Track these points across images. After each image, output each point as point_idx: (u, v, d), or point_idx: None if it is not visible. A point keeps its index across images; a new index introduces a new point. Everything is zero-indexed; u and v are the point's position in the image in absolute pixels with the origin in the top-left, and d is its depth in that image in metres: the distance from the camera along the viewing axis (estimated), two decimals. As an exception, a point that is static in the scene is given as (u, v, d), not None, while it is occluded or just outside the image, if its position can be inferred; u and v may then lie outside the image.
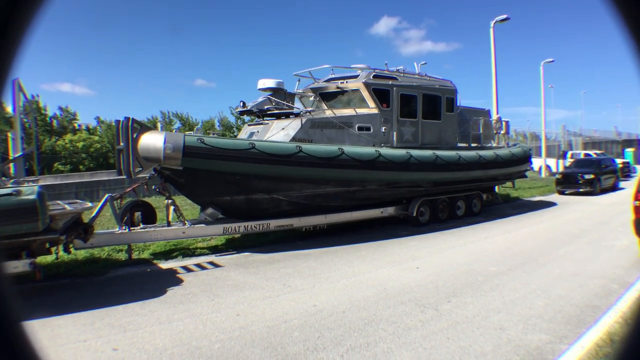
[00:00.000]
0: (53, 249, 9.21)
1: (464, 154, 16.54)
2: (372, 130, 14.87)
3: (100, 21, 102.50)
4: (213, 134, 14.63)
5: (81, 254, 11.20)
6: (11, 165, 10.92)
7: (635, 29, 1.34)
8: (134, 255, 11.59)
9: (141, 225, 11.42)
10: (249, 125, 15.82)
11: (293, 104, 15.39)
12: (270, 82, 14.91)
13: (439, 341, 6.02)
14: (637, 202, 10.21)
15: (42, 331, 6.56)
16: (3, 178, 10.32)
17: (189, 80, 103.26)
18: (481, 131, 19.69)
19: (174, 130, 12.63)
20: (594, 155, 36.28)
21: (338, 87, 15.35)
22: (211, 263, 11.06)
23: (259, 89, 15.11)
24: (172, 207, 12.01)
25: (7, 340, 1.41)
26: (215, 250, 12.58)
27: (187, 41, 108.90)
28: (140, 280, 9.76)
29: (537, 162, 38.63)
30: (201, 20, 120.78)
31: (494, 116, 22.73)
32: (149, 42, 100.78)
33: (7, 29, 1.33)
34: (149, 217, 12.05)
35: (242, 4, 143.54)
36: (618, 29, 1.38)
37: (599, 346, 5.69)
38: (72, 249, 9.90)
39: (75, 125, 56.58)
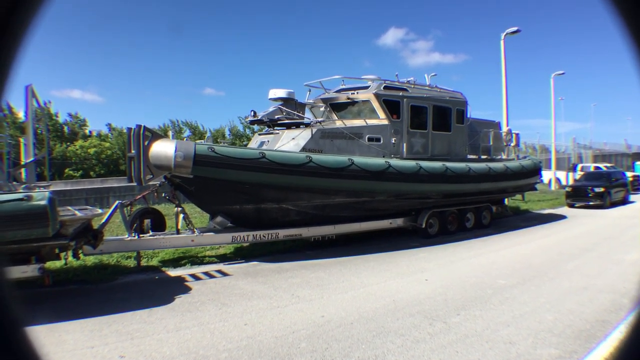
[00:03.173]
0: (62, 255, 9.26)
1: (473, 166, 16.50)
2: (382, 141, 14.88)
3: (110, 29, 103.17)
4: (223, 143, 14.69)
5: (90, 260, 11.25)
6: (23, 170, 11.00)
7: (636, 34, 1.34)
8: (143, 263, 11.62)
9: (150, 233, 11.46)
10: (260, 134, 15.86)
11: (303, 114, 15.43)
12: (281, 92, 14.97)
13: (448, 355, 5.98)
14: None
15: (50, 336, 6.58)
16: (14, 183, 10.40)
17: (198, 89, 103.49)
18: (491, 143, 19.66)
19: (184, 139, 12.71)
20: (604, 168, 36.12)
21: (349, 98, 15.38)
22: (219, 271, 11.07)
23: (270, 99, 15.16)
24: (181, 215, 12.04)
25: (10, 345, 1.41)
26: (223, 258, 12.59)
27: (196, 50, 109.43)
28: (148, 287, 9.77)
29: (547, 175, 38.48)
30: (209, 29, 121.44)
31: (504, 128, 22.68)
32: (158, 51, 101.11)
33: (7, 29, 1.34)
34: (159, 224, 12.09)
35: (250, 14, 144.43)
36: (621, 36, 1.38)
37: (608, 362, 5.64)
38: (81, 255, 9.95)
39: (87, 131, 56.94)
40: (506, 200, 22.31)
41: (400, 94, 15.56)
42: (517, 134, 21.97)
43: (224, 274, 10.84)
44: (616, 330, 6.83)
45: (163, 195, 12.51)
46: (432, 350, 6.13)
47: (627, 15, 1.36)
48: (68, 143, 50.47)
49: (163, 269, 11.37)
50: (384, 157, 14.47)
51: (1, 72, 1.40)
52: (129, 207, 11.66)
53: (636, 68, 1.38)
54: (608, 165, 41.41)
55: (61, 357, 5.89)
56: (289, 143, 13.47)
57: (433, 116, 16.32)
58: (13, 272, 7.72)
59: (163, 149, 11.01)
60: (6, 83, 1.43)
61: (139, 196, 12.45)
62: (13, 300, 1.53)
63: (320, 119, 14.95)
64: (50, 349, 6.11)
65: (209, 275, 10.77)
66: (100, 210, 10.05)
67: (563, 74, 41.36)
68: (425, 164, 14.75)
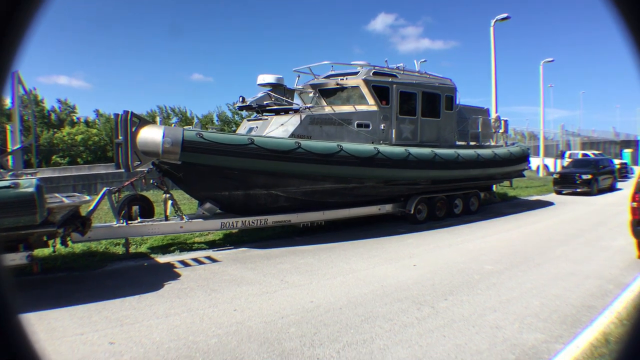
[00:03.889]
0: (50, 242, 9.20)
1: (462, 152, 16.56)
2: (371, 127, 14.88)
3: (96, 14, 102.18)
4: (212, 129, 14.62)
5: (78, 247, 11.21)
6: (9, 157, 10.90)
7: (635, 28, 1.34)
8: (131, 249, 11.59)
9: (139, 219, 11.42)
10: (248, 120, 15.81)
11: (292, 99, 15.38)
12: (269, 78, 14.90)
13: (435, 339, 6.05)
14: (635, 204, 10.22)
15: (39, 324, 6.57)
16: (1, 170, 10.31)
17: (186, 75, 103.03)
18: (480, 130, 19.71)
19: (172, 125, 12.59)
20: (592, 156, 36.32)
21: (338, 84, 15.34)
22: (208, 258, 11.07)
23: (259, 85, 15.09)
24: (170, 202, 12.00)
25: (3, 332, 1.41)
26: (212, 245, 12.59)
27: (184, 35, 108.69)
28: (137, 274, 9.76)
29: (535, 162, 38.66)
30: (198, 14, 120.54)
31: (493, 115, 22.73)
32: (145, 36, 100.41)
33: (9, 25, 1.33)
34: (147, 211, 12.06)
35: (238, 0, 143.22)
36: (618, 29, 1.38)
37: (594, 346, 5.72)
38: (69, 242, 9.93)
39: (74, 118, 56.50)
40: (494, 186, 22.43)
41: (390, 80, 15.55)
42: (505, 121, 22.04)
43: (213, 260, 10.85)
44: (602, 316, 6.93)
45: (151, 181, 12.46)
46: (419, 334, 6.19)
47: (627, 9, 1.37)
48: (55, 130, 50.06)
49: (152, 255, 11.35)
50: (372, 143, 14.48)
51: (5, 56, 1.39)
52: (117, 194, 11.61)
53: (635, 59, 1.38)
54: (596, 152, 41.63)
55: (51, 345, 5.88)
56: (278, 129, 13.44)
57: (422, 102, 16.32)
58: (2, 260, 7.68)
59: (151, 135, 10.94)
60: (5, 78, 1.43)
61: (127, 183, 12.40)
62: (9, 288, 1.53)
63: (309, 105, 14.92)
64: (39, 337, 6.10)
65: (198, 261, 10.77)
66: (88, 197, 10.00)
67: (552, 61, 41.51)
68: (414, 150, 14.78)
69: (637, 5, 1.34)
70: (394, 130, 15.41)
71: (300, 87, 16.19)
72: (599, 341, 5.84)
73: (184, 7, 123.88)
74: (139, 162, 11.08)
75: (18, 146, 10.43)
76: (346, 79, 15.37)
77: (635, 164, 51.17)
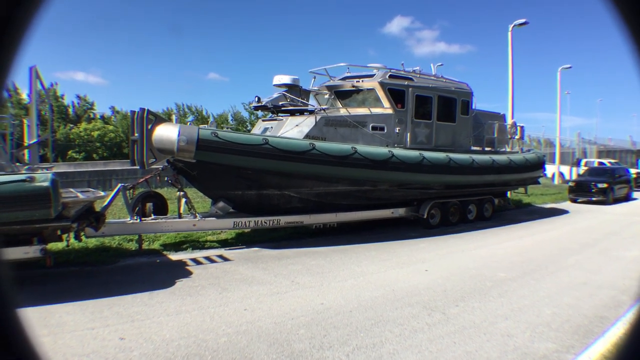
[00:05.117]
0: (64, 236, 9.29)
1: (477, 157, 16.46)
2: (385, 131, 14.85)
3: (114, 12, 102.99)
4: (227, 128, 14.67)
5: (92, 242, 11.30)
6: (26, 151, 11.02)
7: (635, 29, 1.33)
8: (144, 246, 11.66)
9: (152, 216, 11.50)
10: (263, 120, 15.84)
11: (308, 101, 15.39)
12: (285, 79, 14.92)
13: (445, 345, 6.00)
14: None
15: (50, 317, 6.63)
16: (17, 164, 10.41)
17: (202, 74, 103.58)
18: (495, 135, 19.60)
19: (188, 123, 12.74)
20: (608, 164, 35.94)
21: (353, 86, 15.32)
22: (220, 256, 11.11)
23: (274, 85, 15.12)
24: (183, 199, 12.08)
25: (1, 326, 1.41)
26: (225, 243, 12.63)
27: (200, 34, 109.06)
28: (149, 270, 9.82)
29: (550, 169, 38.34)
30: (214, 14, 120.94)
31: (509, 121, 22.59)
32: (162, 35, 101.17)
33: (12, 18, 1.33)
34: (161, 208, 12.13)
35: (255, 1, 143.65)
36: (618, 29, 1.37)
37: (605, 357, 5.65)
38: (83, 237, 9.99)
39: (91, 114, 56.98)
40: (509, 193, 22.29)
41: (406, 83, 15.50)
42: (522, 127, 21.88)
43: (225, 259, 10.88)
44: (614, 327, 6.84)
45: (165, 179, 12.52)
46: (429, 340, 6.16)
47: (627, 13, 1.35)
48: (72, 125, 50.54)
49: (164, 252, 11.41)
50: (387, 146, 14.44)
51: (7, 54, 1.39)
52: (131, 190, 11.68)
53: (636, 65, 1.36)
54: (612, 161, 41.16)
55: (61, 338, 5.92)
56: (293, 130, 13.44)
57: (438, 106, 16.25)
58: (15, 253, 7.75)
59: (166, 132, 11.01)
60: (12, 65, 1.42)
61: (141, 179, 12.46)
62: (8, 281, 1.53)
63: (324, 107, 14.93)
64: (50, 330, 6.16)
65: (210, 260, 10.81)
66: (102, 193, 10.07)
67: (570, 68, 41.14)
68: (428, 154, 14.71)
69: (637, 5, 1.32)
70: (408, 134, 15.36)
71: (315, 88, 16.20)
72: (610, 352, 5.77)
73: (202, 7, 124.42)
74: (154, 160, 11.16)
75: (34, 140, 10.55)
76: (362, 81, 15.35)
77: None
